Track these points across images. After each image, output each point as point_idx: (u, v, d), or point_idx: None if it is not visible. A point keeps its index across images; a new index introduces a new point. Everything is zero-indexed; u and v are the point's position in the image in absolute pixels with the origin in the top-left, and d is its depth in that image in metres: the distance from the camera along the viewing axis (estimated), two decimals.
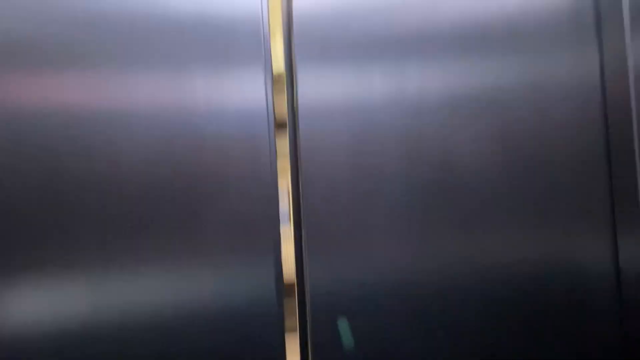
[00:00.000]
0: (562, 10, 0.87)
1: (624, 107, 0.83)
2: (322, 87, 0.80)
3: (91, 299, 0.74)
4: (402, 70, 0.83)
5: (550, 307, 0.86)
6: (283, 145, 0.81)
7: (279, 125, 0.80)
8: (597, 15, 0.87)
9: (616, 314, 0.87)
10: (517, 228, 0.85)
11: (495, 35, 0.85)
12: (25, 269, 0.72)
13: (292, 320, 0.80)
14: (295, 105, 0.80)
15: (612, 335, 0.87)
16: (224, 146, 0.77)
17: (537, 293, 0.85)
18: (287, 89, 0.81)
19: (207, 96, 0.77)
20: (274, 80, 0.80)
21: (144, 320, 0.75)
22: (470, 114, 0.84)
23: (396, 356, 0.81)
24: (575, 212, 0.86)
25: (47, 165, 0.74)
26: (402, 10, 0.83)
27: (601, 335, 0.87)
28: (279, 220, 0.79)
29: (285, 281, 0.80)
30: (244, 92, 0.78)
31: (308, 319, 0.80)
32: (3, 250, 0.72)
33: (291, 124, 0.81)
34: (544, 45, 0.86)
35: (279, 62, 0.81)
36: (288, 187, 0.80)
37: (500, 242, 0.84)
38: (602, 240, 0.86)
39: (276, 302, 0.78)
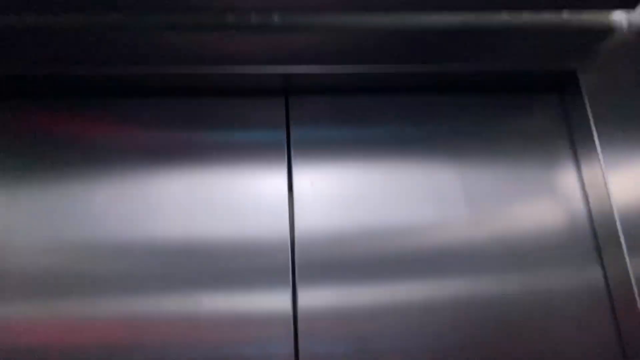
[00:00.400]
0: (560, 232, 0.90)
1: (634, 319, 0.82)
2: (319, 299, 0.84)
3: None
4: (399, 287, 0.85)
5: None
6: None
7: None
8: (595, 235, 0.91)
9: None
10: None
11: (492, 255, 0.87)
12: None
13: None
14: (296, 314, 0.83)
15: None
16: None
17: None
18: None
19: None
20: None
21: None
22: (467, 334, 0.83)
23: None
24: None
25: None
26: (397, 235, 0.87)
27: None
28: None
29: None
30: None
31: None
32: None
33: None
34: (545, 265, 0.88)
35: None
36: None
37: None
38: None
39: None
